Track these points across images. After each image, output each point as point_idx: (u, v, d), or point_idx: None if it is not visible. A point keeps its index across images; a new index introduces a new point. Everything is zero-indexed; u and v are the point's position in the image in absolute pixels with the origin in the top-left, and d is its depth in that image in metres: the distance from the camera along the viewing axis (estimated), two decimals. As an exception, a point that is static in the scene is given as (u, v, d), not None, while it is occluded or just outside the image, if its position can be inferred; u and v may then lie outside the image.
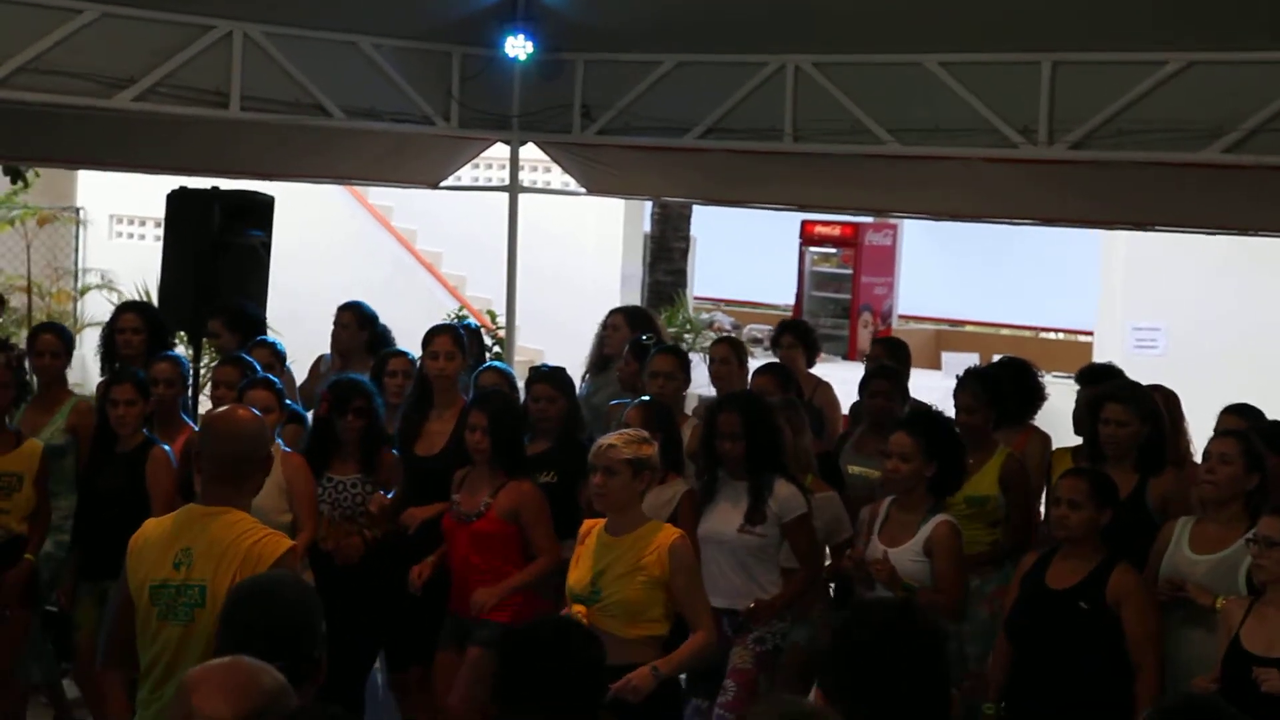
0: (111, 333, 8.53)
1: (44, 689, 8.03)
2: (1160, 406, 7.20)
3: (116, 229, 18.33)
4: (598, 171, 11.16)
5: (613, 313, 9.91)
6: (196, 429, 7.74)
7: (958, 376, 7.84)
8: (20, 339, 10.44)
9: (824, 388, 8.99)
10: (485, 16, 9.87)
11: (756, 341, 13.81)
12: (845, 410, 8.87)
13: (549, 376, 7.73)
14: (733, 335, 9.84)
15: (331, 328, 9.27)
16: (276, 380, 7.62)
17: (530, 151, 11.06)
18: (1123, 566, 5.91)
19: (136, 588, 4.97)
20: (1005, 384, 7.68)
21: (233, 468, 5.07)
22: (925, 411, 7.20)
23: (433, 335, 7.83)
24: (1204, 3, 8.04)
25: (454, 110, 10.32)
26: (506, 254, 11.17)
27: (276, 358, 8.48)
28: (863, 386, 8.23)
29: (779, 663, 6.70)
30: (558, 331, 14.26)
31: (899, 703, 3.12)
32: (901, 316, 21.41)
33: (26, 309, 15.09)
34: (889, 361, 8.71)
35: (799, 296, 20.84)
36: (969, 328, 21.89)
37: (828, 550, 7.25)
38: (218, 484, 5.08)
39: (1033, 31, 8.59)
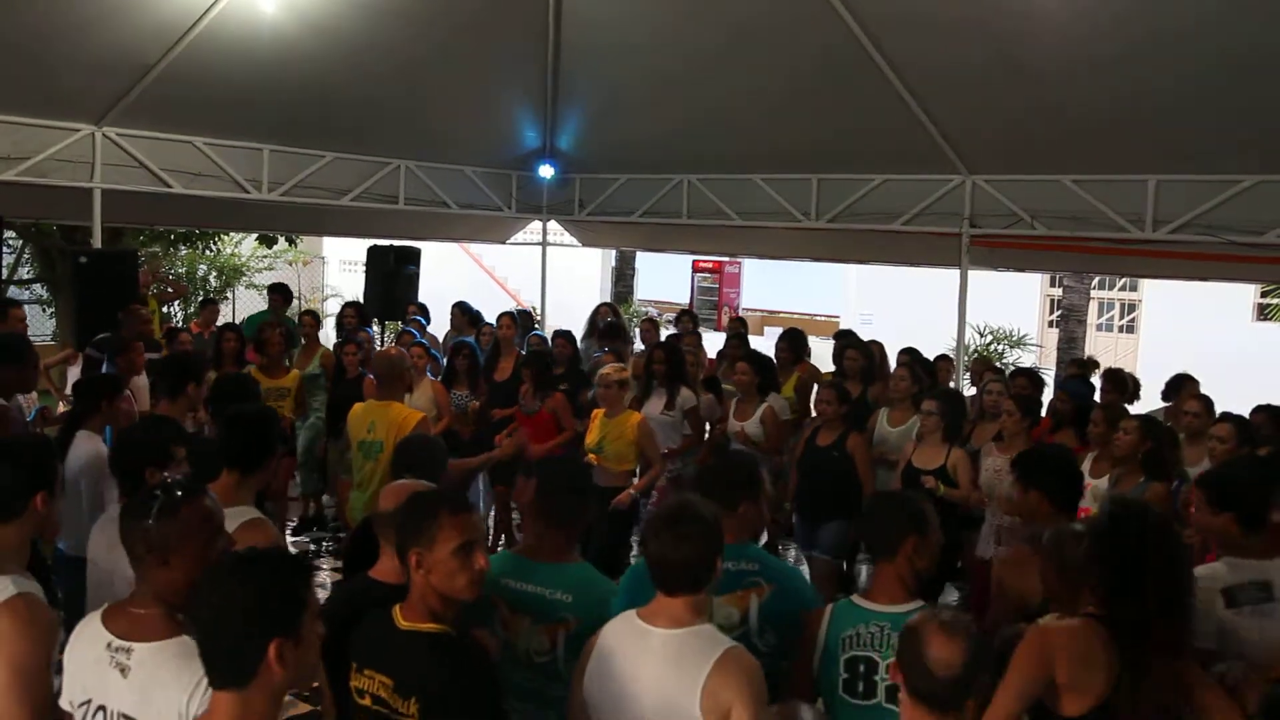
0: (341, 317, 8.30)
1: (306, 499, 7.84)
2: (874, 350, 7.24)
3: (343, 266, 18.01)
4: (587, 235, 11.10)
5: (600, 305, 9.76)
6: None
7: (777, 339, 7.79)
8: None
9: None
10: (529, 155, 9.69)
11: (669, 321, 13.69)
12: (713, 353, 8.64)
13: (564, 335, 7.63)
14: (658, 320, 9.57)
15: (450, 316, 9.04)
16: (425, 343, 7.39)
17: (553, 225, 10.85)
18: (856, 434, 5.80)
19: (353, 441, 5.01)
20: (794, 340, 7.57)
21: (388, 378, 5.05)
22: (755, 352, 7.04)
23: (501, 316, 7.75)
24: (893, 146, 7.71)
25: (513, 203, 10.09)
26: (540, 278, 11.02)
27: (421, 328, 8.26)
28: (729, 344, 7.97)
29: (679, 485, 6.54)
30: (568, 316, 14.06)
31: (739, 496, 3.02)
32: (744, 309, 21.12)
33: (300, 311, 15.01)
34: (741, 329, 8.41)
35: (690, 299, 20.59)
36: (780, 314, 21.75)
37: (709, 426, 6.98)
38: (383, 386, 5.08)
39: (807, 162, 8.36)
